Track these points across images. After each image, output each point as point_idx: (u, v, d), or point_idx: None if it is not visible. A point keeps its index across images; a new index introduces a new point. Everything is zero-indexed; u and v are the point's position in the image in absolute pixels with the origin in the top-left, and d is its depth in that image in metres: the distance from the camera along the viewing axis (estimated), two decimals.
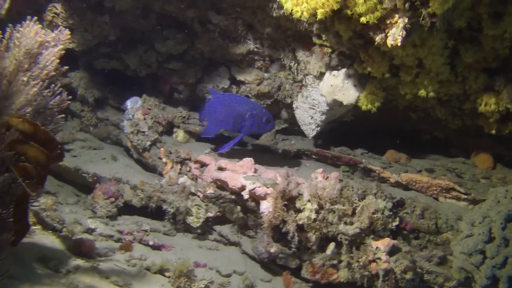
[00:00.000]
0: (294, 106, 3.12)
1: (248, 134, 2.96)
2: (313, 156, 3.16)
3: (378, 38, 2.36)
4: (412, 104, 2.97)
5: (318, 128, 3.06)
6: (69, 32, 1.71)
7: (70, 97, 1.98)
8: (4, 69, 1.48)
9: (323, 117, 2.99)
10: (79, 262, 2.32)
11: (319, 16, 2.25)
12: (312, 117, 3.04)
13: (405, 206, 2.82)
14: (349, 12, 2.31)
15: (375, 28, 2.36)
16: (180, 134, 3.22)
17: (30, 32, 1.54)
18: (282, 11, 2.60)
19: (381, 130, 3.29)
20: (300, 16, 2.30)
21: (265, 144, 3.22)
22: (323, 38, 2.67)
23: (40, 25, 1.60)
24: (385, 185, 3.01)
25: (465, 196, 2.86)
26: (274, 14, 2.66)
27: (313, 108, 3.01)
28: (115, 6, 2.86)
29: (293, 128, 3.32)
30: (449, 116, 2.97)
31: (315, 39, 2.71)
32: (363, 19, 2.28)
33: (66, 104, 1.96)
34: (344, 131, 3.27)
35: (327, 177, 2.73)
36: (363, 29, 2.43)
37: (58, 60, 1.67)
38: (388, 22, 2.30)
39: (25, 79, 1.54)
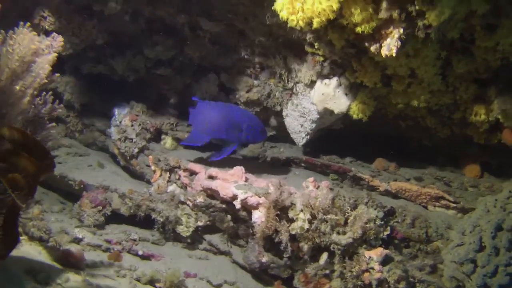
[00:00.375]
0: (284, 114, 3.10)
1: (241, 143, 2.94)
2: (302, 164, 3.15)
3: (372, 48, 2.35)
4: (402, 112, 2.98)
5: (308, 136, 3.05)
6: (62, 39, 1.65)
7: (61, 105, 1.92)
8: None
9: (313, 125, 2.97)
10: (68, 274, 2.25)
11: (314, 25, 2.23)
12: (302, 125, 3.02)
13: (396, 215, 2.82)
14: (344, 21, 2.30)
15: (370, 38, 2.36)
16: (168, 141, 3.17)
17: (24, 39, 1.49)
18: (275, 19, 2.58)
19: (369, 138, 3.29)
20: (296, 25, 2.27)
21: (253, 152, 3.19)
22: (316, 47, 2.65)
23: (35, 32, 1.55)
24: (374, 193, 3.01)
25: (454, 205, 2.88)
26: (267, 22, 2.63)
27: (303, 116, 2.99)
28: (104, 10, 2.80)
29: (282, 136, 3.29)
30: (438, 125, 2.99)
31: (307, 48, 2.70)
32: (358, 29, 2.27)
33: (56, 113, 1.91)
34: (332, 139, 3.26)
35: (318, 186, 2.72)
36: (357, 38, 2.43)
37: (50, 68, 1.61)
38: (383, 32, 2.29)
39: (17, 87, 1.48)
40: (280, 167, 3.16)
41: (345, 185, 3.07)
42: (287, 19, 2.26)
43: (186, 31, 2.95)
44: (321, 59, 2.73)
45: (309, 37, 2.59)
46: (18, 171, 1.71)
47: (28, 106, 1.58)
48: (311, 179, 2.74)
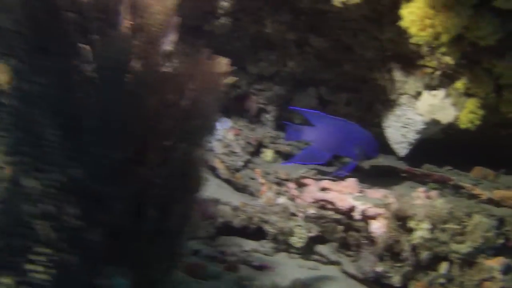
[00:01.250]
0: (384, 125, 3.14)
1: (359, 159, 3.00)
2: (402, 174, 3.19)
3: (494, 60, 2.40)
4: (504, 120, 3.00)
5: (411, 147, 3.09)
6: (227, 61, 1.75)
7: None
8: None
9: (417, 136, 3.02)
10: (201, 285, 2.34)
11: (443, 40, 2.29)
12: (404, 136, 3.07)
13: (505, 223, 2.84)
14: (467, 34, 2.36)
15: (491, 49, 2.41)
16: (268, 154, 3.25)
17: (212, 63, 1.59)
18: (389, 34, 2.65)
19: (465, 147, 3.31)
20: (423, 41, 2.34)
21: None
22: (428, 59, 2.71)
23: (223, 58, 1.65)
24: (475, 201, 3.03)
25: None
26: (383, 37, 2.70)
27: (406, 127, 3.04)
28: (214, 30, 2.90)
29: None
30: None
31: (418, 60, 2.75)
32: (483, 42, 2.33)
33: None
34: (428, 148, 3.29)
35: (430, 196, 2.76)
36: (475, 50, 2.48)
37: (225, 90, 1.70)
38: (507, 43, 2.34)
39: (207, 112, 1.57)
40: (378, 177, 3.20)
41: (448, 195, 3.09)
42: (415, 34, 2.33)
43: (292, 47, 3.03)
44: (430, 71, 2.78)
45: (422, 50, 2.65)
46: None
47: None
48: (421, 189, 2.78)
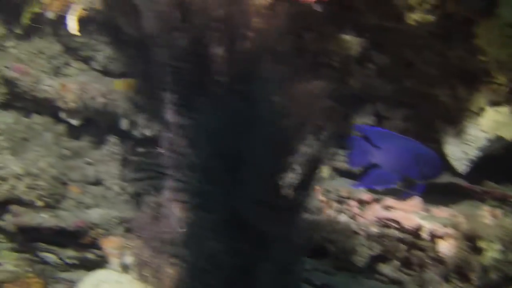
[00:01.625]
0: (443, 141, 3.10)
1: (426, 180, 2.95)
2: (461, 191, 3.14)
3: None
4: None
5: (471, 164, 3.04)
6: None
7: None
8: None
9: (479, 152, 2.97)
10: None
11: None
12: (465, 152, 3.02)
13: None
14: None
15: None
16: (325, 171, 3.23)
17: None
18: (456, 51, 2.63)
19: None
20: (497, 59, 2.31)
21: None
22: (494, 76, 2.67)
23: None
24: None
25: None
26: (450, 53, 2.67)
27: (467, 144, 2.99)
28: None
29: None
30: None
31: (484, 77, 2.72)
32: None
33: None
34: (485, 164, 3.24)
35: (495, 215, 2.72)
36: None
37: None
38: None
39: None
40: (436, 194, 3.15)
41: (508, 213, 3.03)
42: (491, 53, 2.30)
43: (353, 64, 3.02)
44: (496, 87, 2.74)
45: (490, 67, 2.61)
46: None
47: None
48: (486, 207, 2.74)
